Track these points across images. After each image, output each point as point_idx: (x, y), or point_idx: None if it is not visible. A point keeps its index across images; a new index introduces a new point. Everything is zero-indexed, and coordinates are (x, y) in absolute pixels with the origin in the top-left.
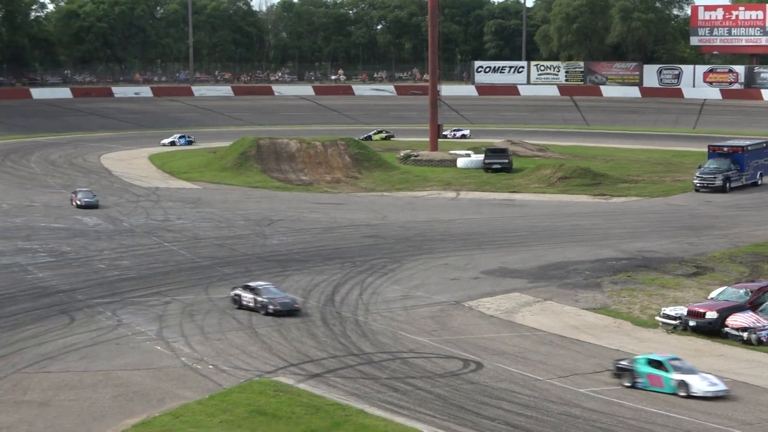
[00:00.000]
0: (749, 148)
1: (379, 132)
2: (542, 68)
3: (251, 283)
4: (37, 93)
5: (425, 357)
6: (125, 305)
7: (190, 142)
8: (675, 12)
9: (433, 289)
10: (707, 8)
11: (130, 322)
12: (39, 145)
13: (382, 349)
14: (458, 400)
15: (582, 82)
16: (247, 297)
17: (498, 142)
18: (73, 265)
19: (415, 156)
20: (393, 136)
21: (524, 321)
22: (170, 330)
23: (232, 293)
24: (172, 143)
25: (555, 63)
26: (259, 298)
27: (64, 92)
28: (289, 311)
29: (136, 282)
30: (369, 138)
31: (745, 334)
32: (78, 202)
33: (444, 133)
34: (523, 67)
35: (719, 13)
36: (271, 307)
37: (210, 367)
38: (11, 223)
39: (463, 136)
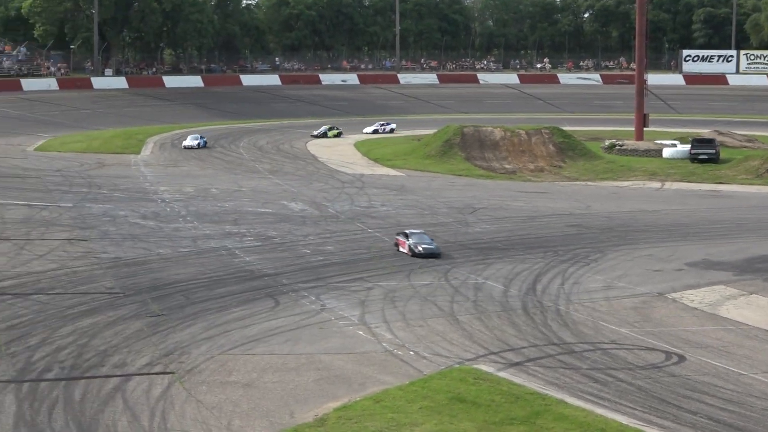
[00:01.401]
0: None
1: (332, 128)
2: (752, 57)
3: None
4: (247, 80)
5: (626, 348)
6: (329, 290)
7: (392, 130)
8: None
9: (635, 280)
10: None
11: (334, 307)
12: (248, 130)
13: (582, 339)
14: (659, 392)
15: None
16: (401, 240)
17: (705, 132)
18: (278, 249)
19: (620, 145)
20: (342, 133)
21: (729, 314)
22: (372, 315)
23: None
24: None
25: (765, 52)
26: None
27: (272, 79)
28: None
29: (339, 267)
30: (325, 135)
31: None
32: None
33: (374, 127)
34: (732, 56)
35: None
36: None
37: (411, 353)
38: (220, 207)
39: (392, 130)
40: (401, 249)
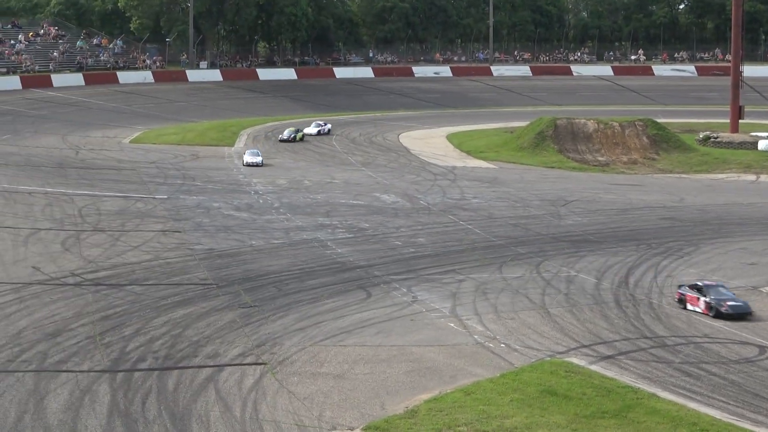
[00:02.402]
0: None
1: (298, 131)
2: None
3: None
4: (340, 72)
5: (720, 342)
6: (420, 282)
7: (329, 131)
8: None
9: (729, 273)
10: None
11: (425, 299)
12: (340, 123)
13: (675, 332)
14: (753, 387)
15: None
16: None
17: None
18: (370, 241)
19: (715, 138)
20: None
21: None
22: (464, 308)
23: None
24: (318, 132)
25: None
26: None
27: (365, 71)
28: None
29: (431, 259)
30: (293, 139)
31: None
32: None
33: (316, 128)
34: None
35: None
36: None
37: (502, 345)
38: (312, 199)
39: (329, 131)
40: (691, 307)
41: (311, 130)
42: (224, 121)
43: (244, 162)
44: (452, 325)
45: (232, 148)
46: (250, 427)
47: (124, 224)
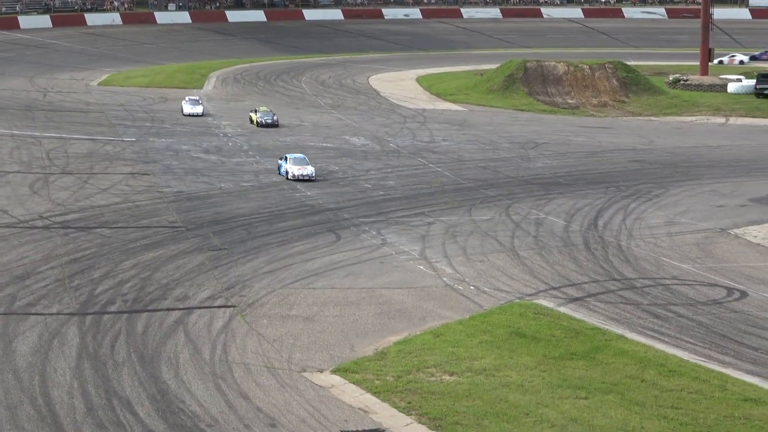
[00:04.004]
0: None
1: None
2: None
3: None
4: (309, 14)
5: (688, 284)
6: (389, 225)
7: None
8: None
9: (698, 215)
10: None
11: (394, 242)
12: (310, 65)
13: (644, 275)
14: (720, 328)
15: None
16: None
17: None
18: (340, 184)
19: (684, 80)
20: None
21: None
22: (433, 250)
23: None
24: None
25: None
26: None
27: (335, 14)
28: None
29: (400, 202)
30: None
31: None
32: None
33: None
34: None
35: None
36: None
37: (471, 288)
38: (282, 141)
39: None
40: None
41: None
42: (193, 64)
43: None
44: (421, 267)
45: (201, 91)
46: (220, 369)
47: (93, 167)
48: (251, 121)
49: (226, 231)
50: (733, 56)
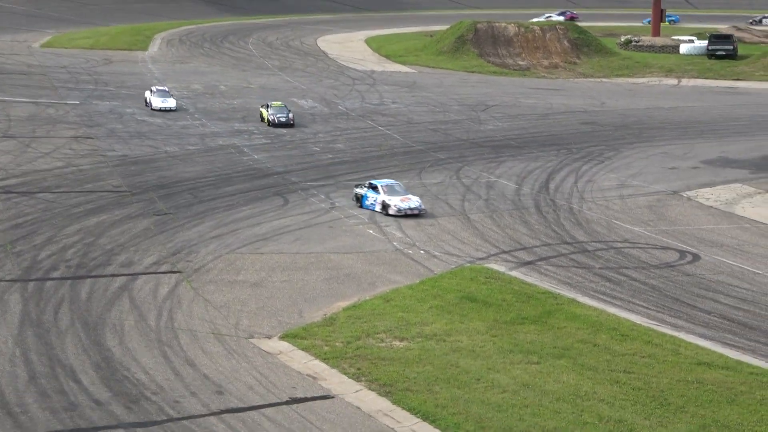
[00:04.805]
0: None
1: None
2: None
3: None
4: None
5: (640, 247)
6: (338, 188)
7: None
8: None
9: (650, 178)
10: None
11: (343, 206)
12: (257, 27)
13: (596, 238)
14: (673, 291)
15: None
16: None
17: (723, 28)
18: (287, 147)
19: (636, 41)
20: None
21: (745, 213)
22: (378, 214)
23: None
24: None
25: None
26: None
27: None
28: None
29: (349, 165)
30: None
31: None
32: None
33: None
34: None
35: None
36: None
37: (421, 252)
38: (228, 104)
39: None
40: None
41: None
42: (137, 25)
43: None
44: (371, 231)
45: (146, 53)
46: (165, 336)
47: (35, 130)
48: (262, 119)
49: (171, 195)
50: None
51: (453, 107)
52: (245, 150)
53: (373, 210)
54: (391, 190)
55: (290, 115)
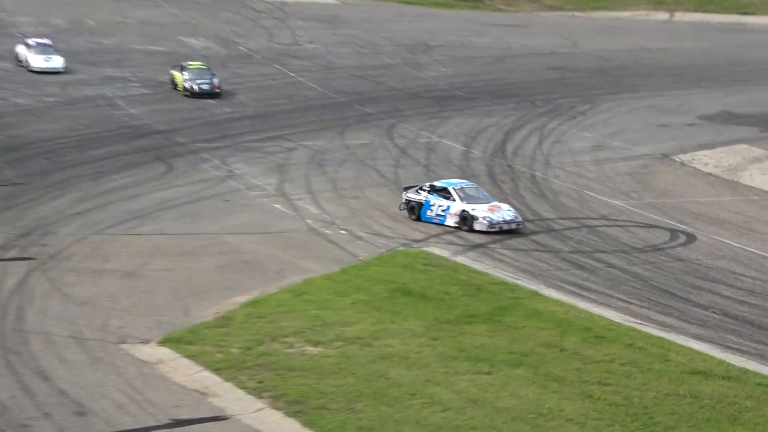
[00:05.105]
0: None
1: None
2: None
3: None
4: None
5: (620, 225)
6: (237, 152)
7: None
8: None
9: (634, 138)
10: None
11: (243, 174)
12: None
13: (564, 214)
14: (662, 281)
15: None
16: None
17: None
18: (173, 99)
19: None
20: None
21: (753, 182)
22: (293, 184)
23: None
24: None
25: None
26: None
27: None
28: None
29: (252, 122)
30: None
31: None
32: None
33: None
34: None
35: None
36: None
37: (342, 232)
38: (98, 44)
39: None
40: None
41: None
42: None
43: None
44: (279, 206)
45: None
46: (11, 341)
47: None
48: (174, 85)
49: (23, 160)
50: None
51: (385, 48)
52: (118, 103)
53: (442, 224)
54: (469, 195)
55: (215, 81)
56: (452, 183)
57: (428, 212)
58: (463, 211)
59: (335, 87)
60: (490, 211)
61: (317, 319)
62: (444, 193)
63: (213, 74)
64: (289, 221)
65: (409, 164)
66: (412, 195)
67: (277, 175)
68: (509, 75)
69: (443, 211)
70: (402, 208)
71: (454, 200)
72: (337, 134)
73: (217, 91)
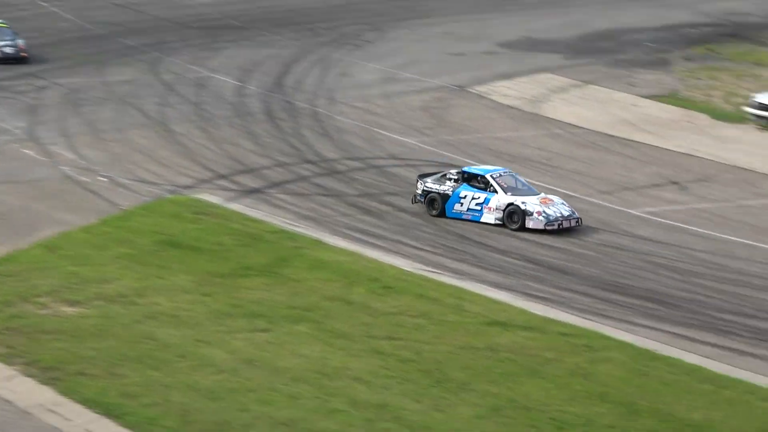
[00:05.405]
0: None
1: None
2: None
3: None
4: None
5: (412, 165)
6: None
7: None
8: None
9: (427, 69)
10: None
11: None
12: None
13: (350, 154)
14: (456, 225)
15: None
16: None
17: None
18: None
19: None
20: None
21: (556, 114)
22: (46, 127)
23: None
24: None
25: None
26: None
27: None
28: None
29: None
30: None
31: None
32: None
33: None
34: None
35: None
36: None
37: (102, 179)
38: None
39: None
40: None
41: None
42: None
43: None
44: (29, 152)
45: None
46: None
47: None
48: None
49: None
50: None
51: None
52: None
53: (477, 221)
54: (511, 186)
55: (18, 42)
56: (488, 170)
57: (456, 206)
58: (511, 204)
59: (92, 17)
60: (544, 205)
61: (74, 276)
62: (478, 181)
63: (15, 33)
64: (42, 169)
65: (176, 102)
66: (432, 184)
67: (28, 117)
68: (289, 1)
69: (478, 204)
70: (416, 200)
71: (494, 191)
72: (95, 70)
73: (24, 56)
